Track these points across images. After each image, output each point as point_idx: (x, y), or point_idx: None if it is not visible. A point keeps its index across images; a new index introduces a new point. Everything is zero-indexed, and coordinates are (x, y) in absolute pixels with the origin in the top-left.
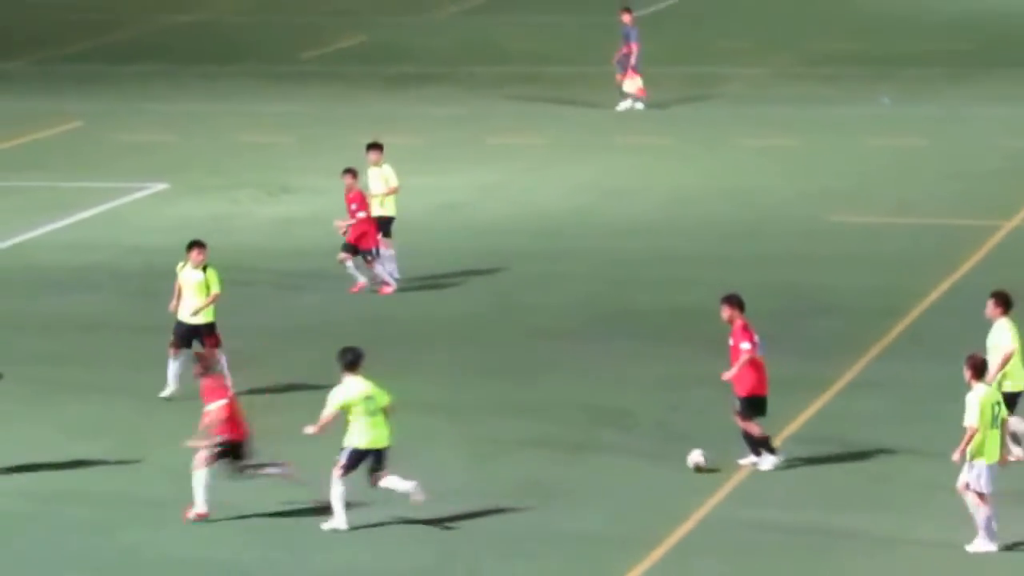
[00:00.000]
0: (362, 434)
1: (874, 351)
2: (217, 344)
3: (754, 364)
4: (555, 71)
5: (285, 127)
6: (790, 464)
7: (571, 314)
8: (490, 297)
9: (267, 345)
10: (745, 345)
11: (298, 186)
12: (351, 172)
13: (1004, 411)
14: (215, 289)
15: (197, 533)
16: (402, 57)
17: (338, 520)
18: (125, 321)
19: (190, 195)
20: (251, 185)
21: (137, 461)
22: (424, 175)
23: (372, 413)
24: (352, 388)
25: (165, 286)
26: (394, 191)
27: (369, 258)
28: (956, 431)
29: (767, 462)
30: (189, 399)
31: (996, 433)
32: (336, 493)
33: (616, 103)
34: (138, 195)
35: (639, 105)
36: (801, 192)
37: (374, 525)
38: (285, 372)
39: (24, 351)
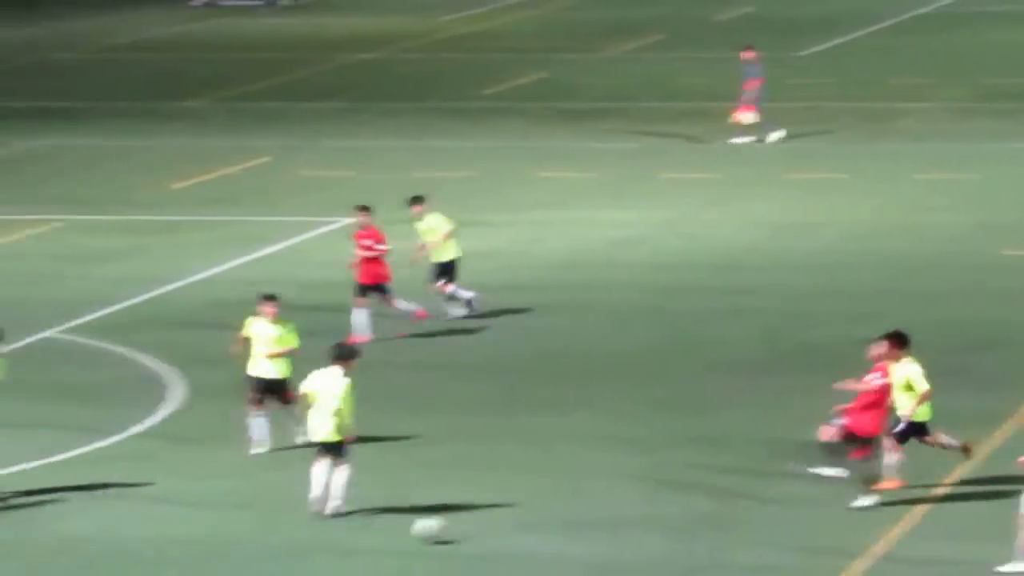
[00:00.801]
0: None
1: None
2: (291, 400)
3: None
4: (727, 106)
5: (465, 162)
6: (965, 499)
7: (749, 348)
8: (667, 331)
9: (440, 379)
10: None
11: (477, 221)
12: (364, 209)
13: None
14: (293, 343)
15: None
16: (579, 93)
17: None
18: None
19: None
20: None
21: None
22: (600, 209)
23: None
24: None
25: (335, 321)
26: (448, 236)
27: (385, 295)
28: None
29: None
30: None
31: None
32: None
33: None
34: (323, 230)
35: (747, 139)
36: (975, 226)
37: (557, 555)
38: (458, 407)
39: (205, 385)
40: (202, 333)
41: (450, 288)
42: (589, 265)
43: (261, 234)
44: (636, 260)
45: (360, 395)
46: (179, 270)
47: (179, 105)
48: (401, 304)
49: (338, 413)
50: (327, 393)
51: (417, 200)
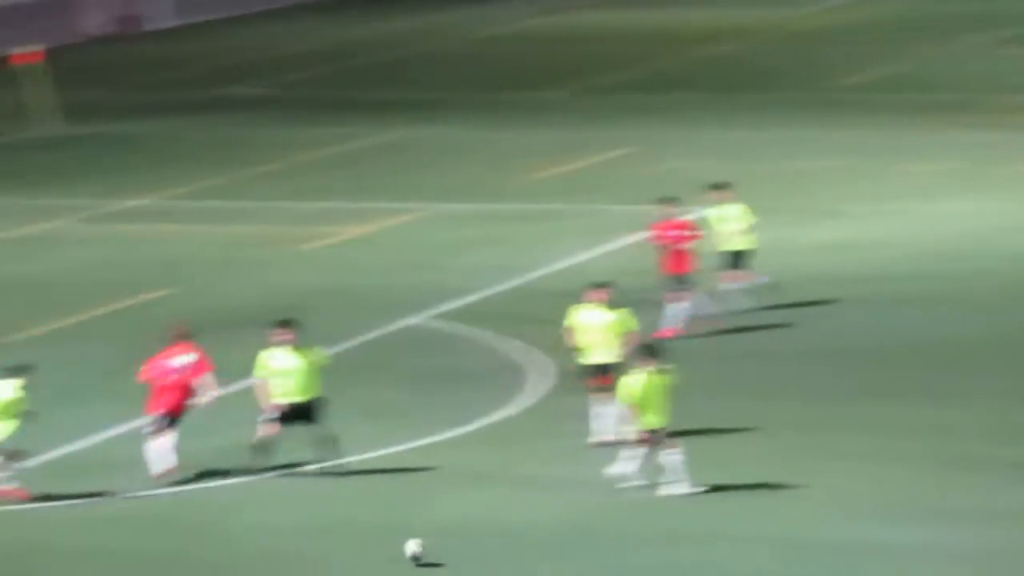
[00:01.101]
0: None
1: None
2: (610, 384)
3: None
4: None
5: (822, 154)
6: None
7: None
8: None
9: (789, 368)
10: None
11: (835, 211)
12: (670, 201)
13: None
14: (632, 327)
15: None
16: (935, 85)
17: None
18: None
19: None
20: (794, 211)
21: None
22: (958, 201)
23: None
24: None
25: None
26: (746, 228)
27: (689, 287)
28: None
29: None
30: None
31: None
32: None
33: None
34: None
35: None
36: None
37: (922, 546)
38: (807, 396)
39: (566, 372)
40: (563, 321)
41: (739, 282)
42: (948, 255)
43: (621, 223)
44: (995, 251)
45: (703, 384)
46: (541, 258)
47: (539, 96)
48: (694, 304)
49: (645, 406)
50: (635, 388)
51: (720, 187)
